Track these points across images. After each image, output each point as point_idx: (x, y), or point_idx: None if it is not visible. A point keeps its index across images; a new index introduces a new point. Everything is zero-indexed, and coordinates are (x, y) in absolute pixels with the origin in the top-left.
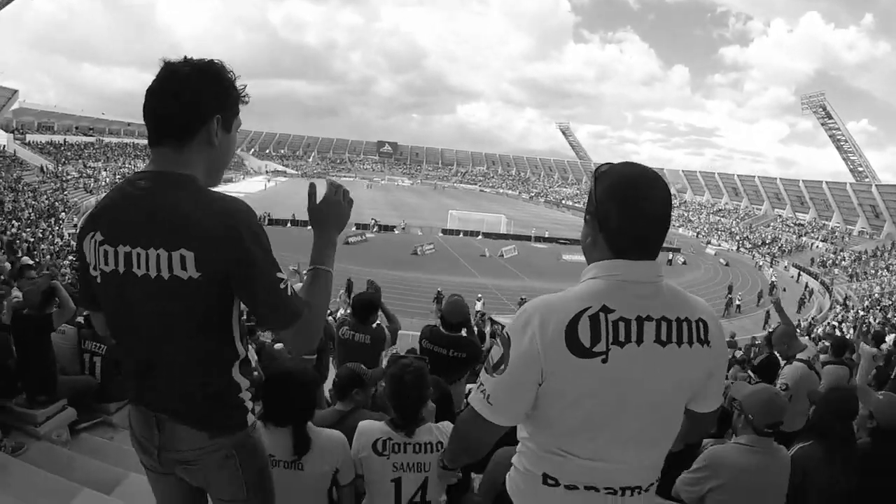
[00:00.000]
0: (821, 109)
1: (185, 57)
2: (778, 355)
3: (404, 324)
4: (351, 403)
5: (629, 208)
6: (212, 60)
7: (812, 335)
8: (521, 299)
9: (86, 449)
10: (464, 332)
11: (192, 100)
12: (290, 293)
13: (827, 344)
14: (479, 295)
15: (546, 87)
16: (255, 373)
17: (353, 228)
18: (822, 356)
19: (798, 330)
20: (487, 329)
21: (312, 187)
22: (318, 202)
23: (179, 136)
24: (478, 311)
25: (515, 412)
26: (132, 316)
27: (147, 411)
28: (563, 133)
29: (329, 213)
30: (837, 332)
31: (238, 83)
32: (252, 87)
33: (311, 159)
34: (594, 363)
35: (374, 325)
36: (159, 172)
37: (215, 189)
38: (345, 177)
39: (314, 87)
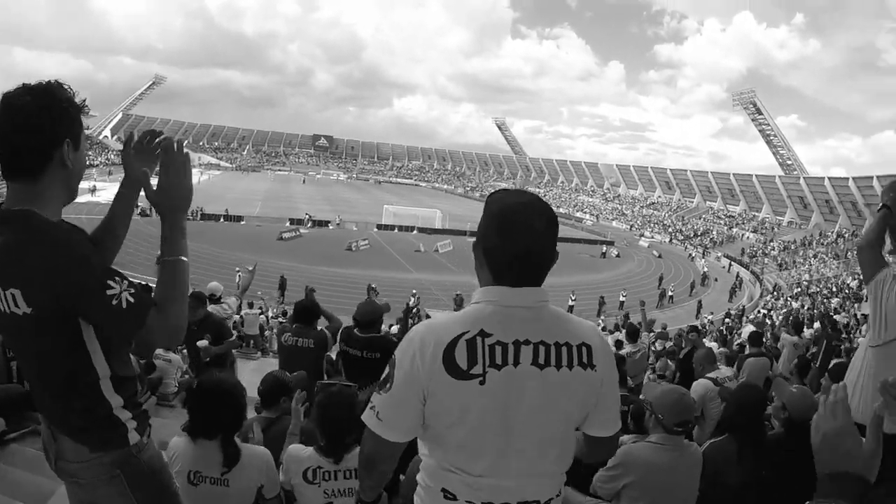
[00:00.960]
0: (751, 106)
1: (23, 84)
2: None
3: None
4: (278, 410)
5: (505, 237)
6: (49, 83)
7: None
8: (457, 295)
9: (15, 460)
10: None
11: (40, 133)
12: (125, 304)
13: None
14: (414, 290)
15: (484, 81)
16: (186, 375)
17: (287, 224)
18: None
19: (728, 319)
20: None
21: (145, 174)
22: (154, 189)
23: (33, 170)
24: (412, 307)
25: (404, 428)
26: (9, 342)
27: (45, 421)
28: (499, 128)
29: (170, 195)
30: (767, 321)
31: (77, 98)
32: (188, 77)
33: (245, 152)
34: (472, 385)
35: (317, 329)
36: (4, 211)
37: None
38: (280, 170)
39: (251, 77)
